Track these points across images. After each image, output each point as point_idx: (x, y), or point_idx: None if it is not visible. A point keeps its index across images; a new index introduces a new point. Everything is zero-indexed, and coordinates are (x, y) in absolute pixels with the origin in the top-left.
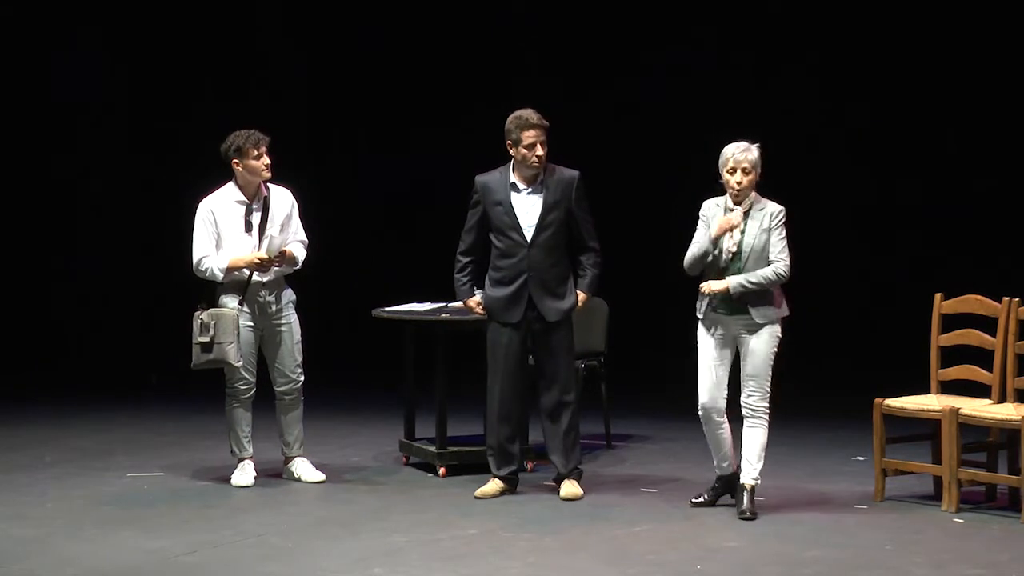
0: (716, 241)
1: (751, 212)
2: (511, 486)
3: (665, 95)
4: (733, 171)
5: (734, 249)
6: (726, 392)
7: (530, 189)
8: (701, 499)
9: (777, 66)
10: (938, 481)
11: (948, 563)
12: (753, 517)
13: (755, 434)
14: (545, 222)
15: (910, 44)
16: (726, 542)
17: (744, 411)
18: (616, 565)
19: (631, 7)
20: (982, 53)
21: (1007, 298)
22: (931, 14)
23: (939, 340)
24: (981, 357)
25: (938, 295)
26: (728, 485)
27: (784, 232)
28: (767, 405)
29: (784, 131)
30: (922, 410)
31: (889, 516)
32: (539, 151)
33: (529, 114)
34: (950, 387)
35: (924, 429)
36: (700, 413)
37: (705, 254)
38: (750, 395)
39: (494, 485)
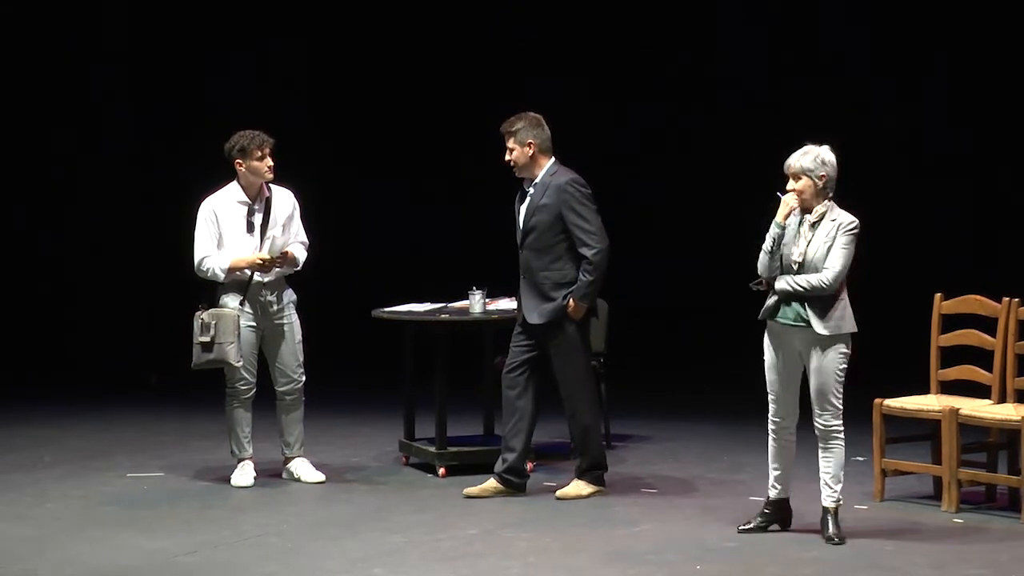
0: (782, 225)
1: (821, 222)
2: (504, 486)
3: (669, 96)
4: (787, 179)
5: (800, 260)
6: (797, 409)
7: (531, 191)
8: (749, 526)
9: (772, 62)
10: (938, 481)
11: (948, 563)
12: (841, 542)
13: (829, 456)
14: (528, 225)
15: (919, 37)
16: (726, 542)
17: (816, 432)
18: (616, 565)
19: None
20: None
21: (1007, 298)
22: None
23: (939, 340)
24: (981, 357)
25: (938, 295)
26: (779, 512)
27: (847, 243)
28: (839, 424)
29: (779, 130)
30: (922, 410)
31: (889, 516)
32: (506, 156)
33: (506, 121)
34: (950, 387)
35: (924, 429)
36: (770, 426)
37: (770, 253)
38: (820, 415)
39: (487, 483)
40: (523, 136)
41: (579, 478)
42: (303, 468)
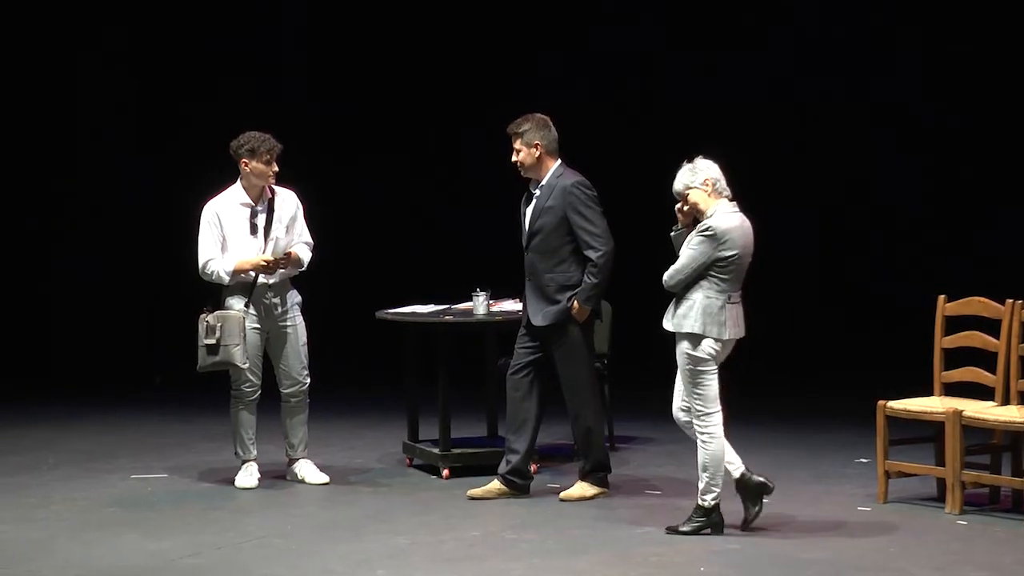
0: (678, 228)
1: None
2: (508, 488)
3: (679, 95)
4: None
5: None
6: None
7: (537, 192)
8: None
9: (774, 61)
10: (941, 483)
11: (951, 565)
12: (675, 532)
13: (698, 454)
14: (534, 227)
15: (917, 39)
16: (729, 544)
17: None
18: (619, 567)
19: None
20: (996, 52)
21: (1010, 300)
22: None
23: (942, 342)
24: (984, 359)
25: (941, 297)
26: (742, 489)
27: (695, 244)
28: (702, 424)
29: (788, 128)
30: (925, 412)
31: (892, 518)
32: (512, 156)
33: (513, 122)
34: (953, 389)
35: (927, 431)
36: None
37: None
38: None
39: (491, 484)
40: (530, 137)
41: (583, 480)
42: (307, 470)
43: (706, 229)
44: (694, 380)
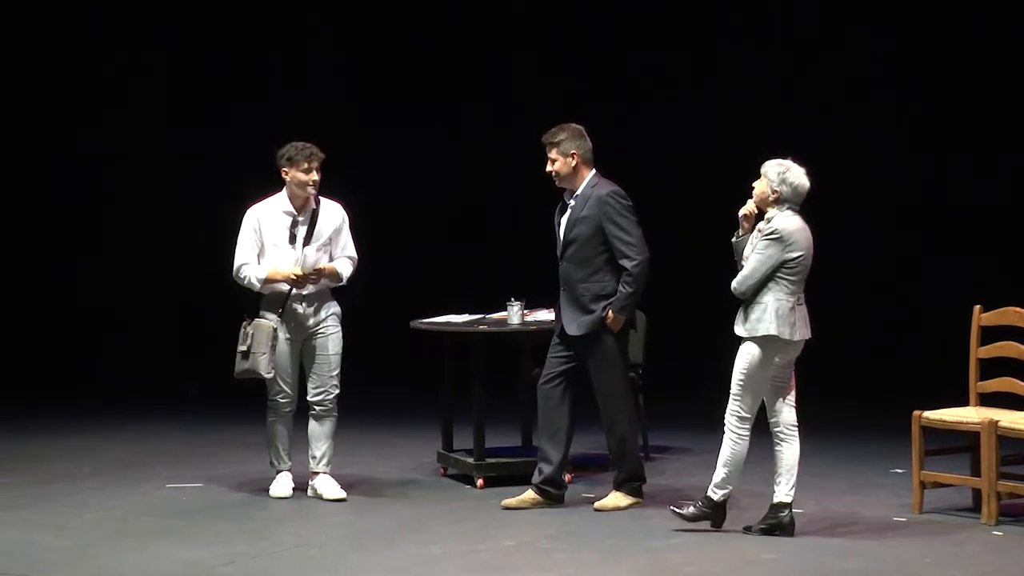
0: (740, 234)
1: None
2: (542, 497)
3: (699, 97)
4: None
5: (744, 264)
6: (771, 409)
7: (572, 202)
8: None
9: (804, 65)
10: (977, 494)
11: None
12: (689, 518)
13: (722, 449)
14: (569, 236)
15: (952, 49)
16: (764, 554)
17: None
18: None
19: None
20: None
21: None
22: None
23: (978, 352)
24: (1020, 369)
25: (977, 307)
26: (772, 515)
27: (762, 248)
28: (734, 421)
29: (824, 130)
30: (961, 422)
31: (928, 529)
32: (548, 166)
33: (548, 132)
34: (989, 399)
35: (963, 441)
36: None
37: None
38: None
39: (525, 494)
40: (566, 147)
41: (617, 489)
42: (325, 485)
43: (772, 232)
44: (753, 384)
